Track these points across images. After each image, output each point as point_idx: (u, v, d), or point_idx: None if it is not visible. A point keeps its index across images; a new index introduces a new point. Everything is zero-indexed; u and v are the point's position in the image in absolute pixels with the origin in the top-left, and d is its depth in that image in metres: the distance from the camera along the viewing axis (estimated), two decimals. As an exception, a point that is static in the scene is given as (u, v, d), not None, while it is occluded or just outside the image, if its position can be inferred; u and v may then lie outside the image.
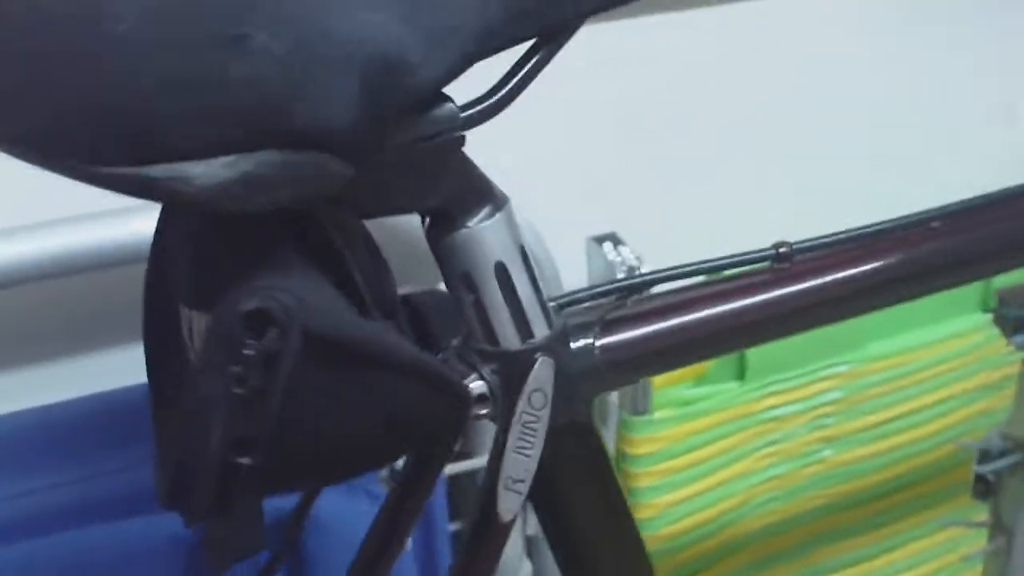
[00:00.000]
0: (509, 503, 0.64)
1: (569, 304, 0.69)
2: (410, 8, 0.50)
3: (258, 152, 0.45)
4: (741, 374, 1.10)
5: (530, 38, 0.57)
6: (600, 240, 1.04)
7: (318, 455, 0.54)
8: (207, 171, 0.44)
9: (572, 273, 1.07)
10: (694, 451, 1.09)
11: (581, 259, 1.07)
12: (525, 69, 0.58)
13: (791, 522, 1.18)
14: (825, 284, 0.70)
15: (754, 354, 1.08)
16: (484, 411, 0.64)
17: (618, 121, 1.10)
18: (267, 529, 0.92)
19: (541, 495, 0.69)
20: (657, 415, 1.06)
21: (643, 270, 1.03)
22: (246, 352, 0.49)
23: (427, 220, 0.62)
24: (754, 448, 1.13)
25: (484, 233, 0.62)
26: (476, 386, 0.64)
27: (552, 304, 0.66)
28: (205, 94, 0.44)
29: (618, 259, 1.03)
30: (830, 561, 1.22)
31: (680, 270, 0.71)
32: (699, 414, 1.09)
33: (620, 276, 1.00)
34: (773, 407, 1.12)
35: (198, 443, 0.50)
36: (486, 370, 0.64)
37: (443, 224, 0.61)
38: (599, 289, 0.70)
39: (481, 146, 0.90)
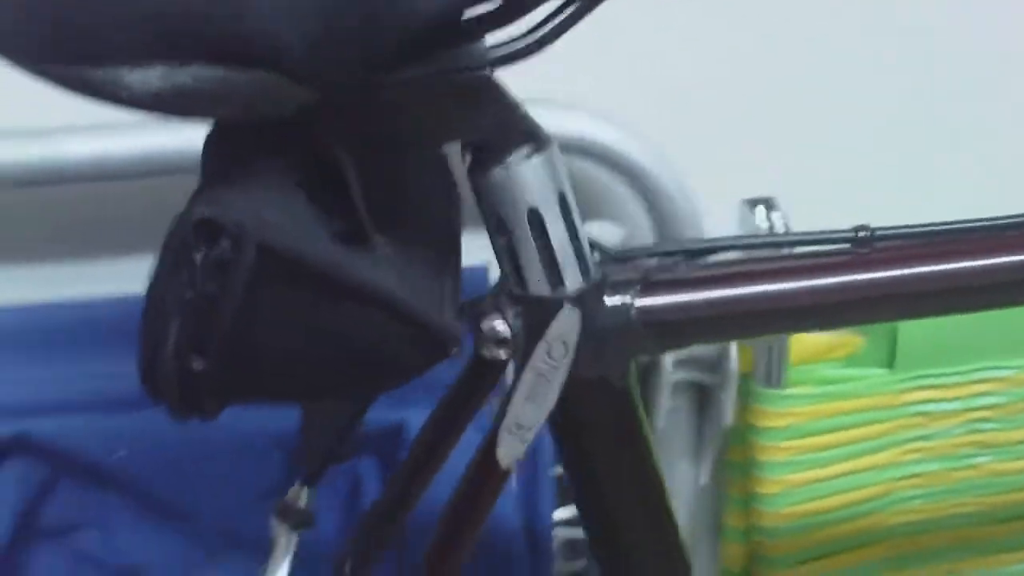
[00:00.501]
0: (510, 448, 0.63)
1: (623, 259, 0.67)
2: None
3: (193, 66, 0.46)
4: (890, 361, 1.04)
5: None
6: (754, 204, 1.00)
7: (275, 370, 0.55)
8: (142, 79, 0.46)
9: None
10: (829, 433, 1.05)
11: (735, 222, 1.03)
12: (567, 12, 0.56)
13: (936, 524, 1.12)
14: (901, 277, 0.66)
15: (905, 343, 1.03)
16: (504, 354, 0.64)
17: (786, 81, 1.05)
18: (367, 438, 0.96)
19: (566, 455, 0.68)
20: (792, 390, 1.02)
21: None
22: (196, 257, 0.50)
23: (467, 157, 0.61)
24: (899, 440, 1.08)
25: (519, 174, 0.61)
26: (499, 328, 0.63)
27: (597, 256, 0.65)
28: (141, 3, 0.45)
29: (765, 224, 0.99)
30: (975, 573, 1.16)
31: (752, 239, 0.68)
32: (839, 396, 1.04)
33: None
34: (924, 401, 1.06)
35: (157, 344, 0.52)
36: (510, 313, 0.63)
37: (479, 162, 0.61)
38: (662, 249, 0.68)
39: (638, 94, 0.90)
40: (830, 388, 1.04)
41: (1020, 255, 0.65)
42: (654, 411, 1.01)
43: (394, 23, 0.50)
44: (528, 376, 0.62)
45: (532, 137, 0.61)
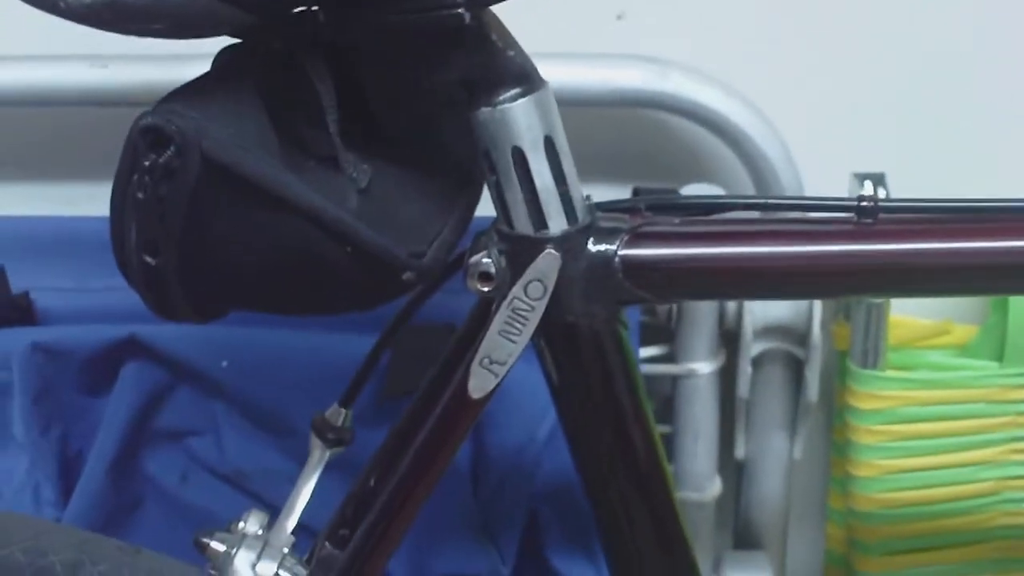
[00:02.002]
0: (481, 381, 0.66)
1: (621, 210, 0.68)
2: None
3: None
4: (1000, 355, 1.00)
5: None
6: (863, 178, 0.98)
7: (229, 274, 0.59)
8: None
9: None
10: (930, 422, 1.02)
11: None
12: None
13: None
14: (900, 251, 0.64)
15: (1016, 337, 0.99)
16: (486, 288, 0.66)
17: (905, 59, 1.02)
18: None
19: (556, 406, 0.69)
20: (889, 372, 1.00)
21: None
22: (144, 162, 0.54)
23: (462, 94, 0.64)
24: (1009, 438, 1.04)
25: (506, 114, 0.63)
26: (483, 263, 0.66)
27: (587, 202, 0.66)
28: None
29: (871, 198, 0.96)
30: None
31: (753, 200, 0.68)
32: (942, 384, 1.01)
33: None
34: (1033, 400, 1.01)
35: (123, 239, 0.57)
36: (495, 249, 0.65)
37: (470, 99, 0.63)
38: (662, 201, 0.68)
39: (752, 66, 0.89)
40: (932, 375, 1.01)
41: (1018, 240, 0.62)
42: (737, 379, 1.01)
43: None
44: (503, 312, 0.64)
45: (523, 78, 0.62)
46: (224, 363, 1.02)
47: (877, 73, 1.02)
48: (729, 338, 1.01)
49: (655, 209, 0.67)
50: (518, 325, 0.64)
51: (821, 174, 1.00)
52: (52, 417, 1.06)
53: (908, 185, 0.95)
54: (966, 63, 1.02)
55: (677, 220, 0.66)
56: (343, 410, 0.80)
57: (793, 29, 1.01)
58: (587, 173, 1.03)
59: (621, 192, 1.02)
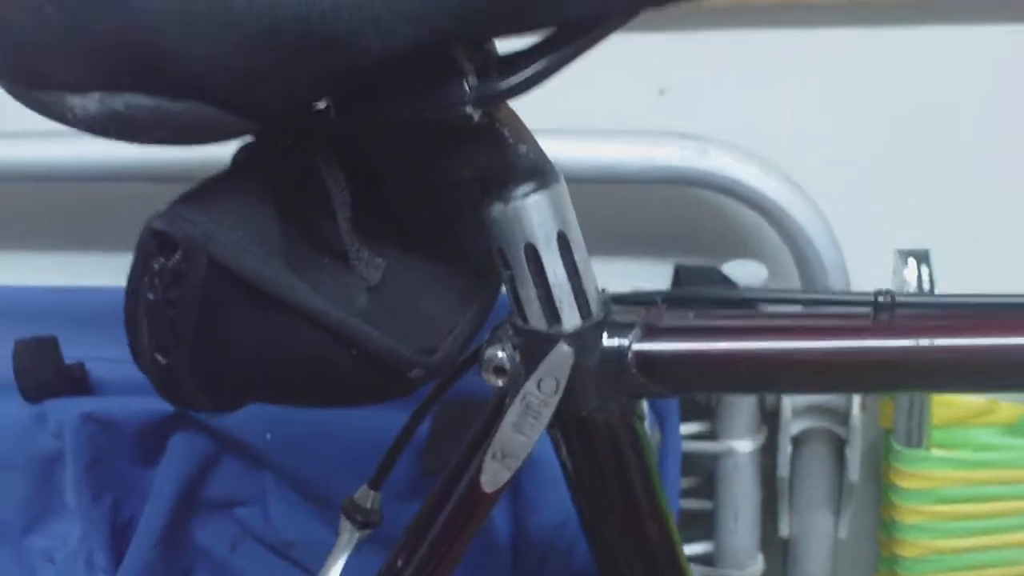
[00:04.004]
0: (493, 475, 0.66)
1: (636, 302, 0.68)
2: None
3: (127, 94, 0.52)
4: (1052, 435, 0.99)
5: (536, 29, 0.57)
6: (907, 255, 0.98)
7: (240, 372, 0.60)
8: (82, 104, 0.52)
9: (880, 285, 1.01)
10: (976, 502, 1.01)
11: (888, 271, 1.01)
12: (547, 59, 0.58)
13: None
14: (916, 348, 0.64)
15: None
16: (500, 382, 0.67)
17: (949, 135, 1.01)
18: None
19: (570, 491, 0.70)
20: (935, 452, 0.99)
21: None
22: (154, 265, 0.56)
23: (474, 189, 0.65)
24: (1058, 521, 1.02)
25: (518, 211, 0.63)
26: (498, 356, 0.66)
27: (602, 295, 0.66)
28: (76, 39, 0.51)
29: (915, 276, 0.96)
30: None
31: (769, 294, 0.68)
32: (988, 464, 1.00)
33: (907, 292, 0.95)
34: (1083, 481, 1.00)
35: (135, 338, 0.59)
36: (509, 344, 0.66)
37: (482, 195, 0.64)
38: (678, 294, 0.68)
39: (791, 145, 0.90)
40: (978, 455, 1.00)
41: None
42: (777, 457, 1.00)
43: (334, 62, 0.53)
44: (517, 406, 0.65)
45: (535, 174, 0.63)
46: (268, 436, 1.03)
47: (920, 150, 1.02)
48: (770, 416, 1.01)
49: (671, 302, 0.67)
50: (531, 420, 0.64)
51: (864, 251, 1.00)
52: (104, 485, 1.08)
53: (952, 262, 0.94)
54: (1011, 142, 1.00)
55: (692, 314, 0.66)
56: (372, 492, 0.81)
57: (836, 106, 1.01)
58: (629, 248, 1.05)
59: (663, 268, 1.02)
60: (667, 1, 0.57)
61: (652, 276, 1.05)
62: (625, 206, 1.06)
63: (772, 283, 1.02)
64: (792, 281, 1.03)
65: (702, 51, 1.00)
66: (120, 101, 0.52)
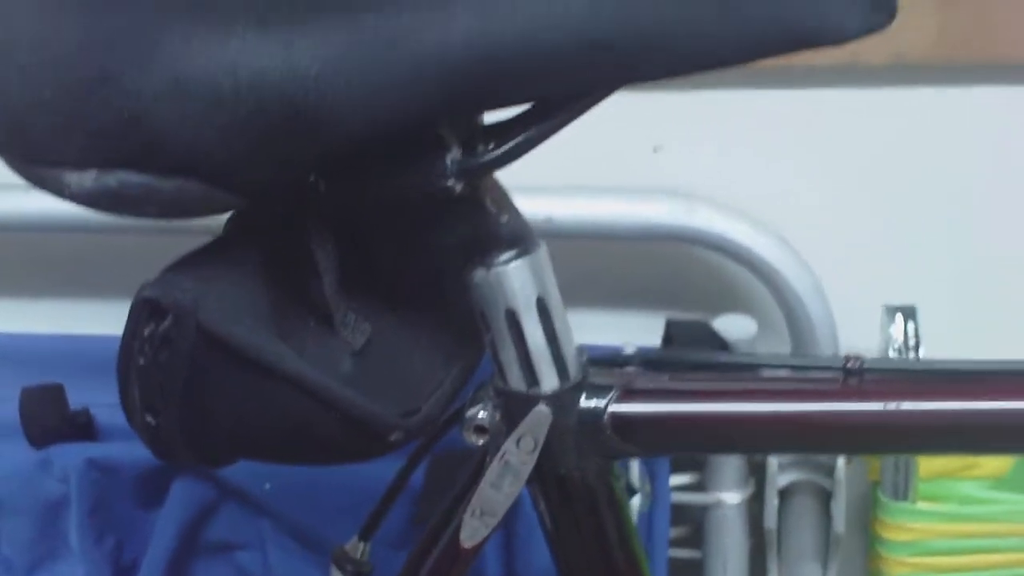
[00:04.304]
0: (472, 531, 0.68)
1: (616, 364, 0.70)
2: (342, 54, 0.54)
3: (120, 171, 0.54)
4: (1038, 489, 1.00)
5: (519, 105, 0.59)
6: (894, 311, 1.00)
7: (226, 432, 0.62)
8: (78, 180, 0.55)
9: (868, 340, 1.04)
10: (962, 555, 1.02)
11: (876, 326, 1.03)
12: (530, 131, 0.61)
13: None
14: (883, 411, 0.66)
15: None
16: (480, 440, 0.69)
17: (935, 192, 1.04)
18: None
19: (547, 541, 0.72)
20: (920, 505, 1.01)
21: (922, 349, 0.98)
22: (145, 331, 0.58)
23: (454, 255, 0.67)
24: (1043, 574, 1.03)
25: (498, 277, 0.65)
26: (479, 416, 0.69)
27: (582, 358, 0.69)
28: (72, 120, 0.54)
29: (901, 333, 0.98)
30: None
31: (742, 359, 0.70)
32: (974, 517, 1.01)
33: (892, 351, 0.97)
34: (1067, 536, 1.01)
35: (126, 398, 0.61)
36: (490, 404, 0.68)
37: (465, 261, 0.66)
38: (653, 357, 0.71)
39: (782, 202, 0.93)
40: (964, 508, 1.01)
41: (999, 402, 0.64)
42: (765, 510, 1.02)
43: (319, 141, 0.56)
44: (496, 465, 0.67)
45: (516, 242, 0.65)
46: (267, 485, 1.06)
47: (909, 209, 1.04)
48: (757, 469, 1.03)
49: (647, 364, 0.69)
50: (509, 478, 0.67)
51: (852, 306, 1.02)
52: (107, 528, 1.11)
53: (939, 317, 0.96)
54: (1000, 202, 1.02)
55: (667, 376, 0.68)
56: (362, 543, 0.83)
57: (826, 165, 1.04)
58: (622, 302, 1.07)
59: (654, 321, 1.05)
60: (646, 79, 0.59)
61: (644, 329, 1.07)
62: (618, 261, 1.09)
63: (762, 337, 1.04)
64: (782, 335, 1.05)
65: (696, 110, 1.02)
66: (114, 178, 0.54)
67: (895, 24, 0.93)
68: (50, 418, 1.12)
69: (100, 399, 1.13)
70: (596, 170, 1.01)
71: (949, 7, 1.00)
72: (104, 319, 1.16)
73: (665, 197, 1.01)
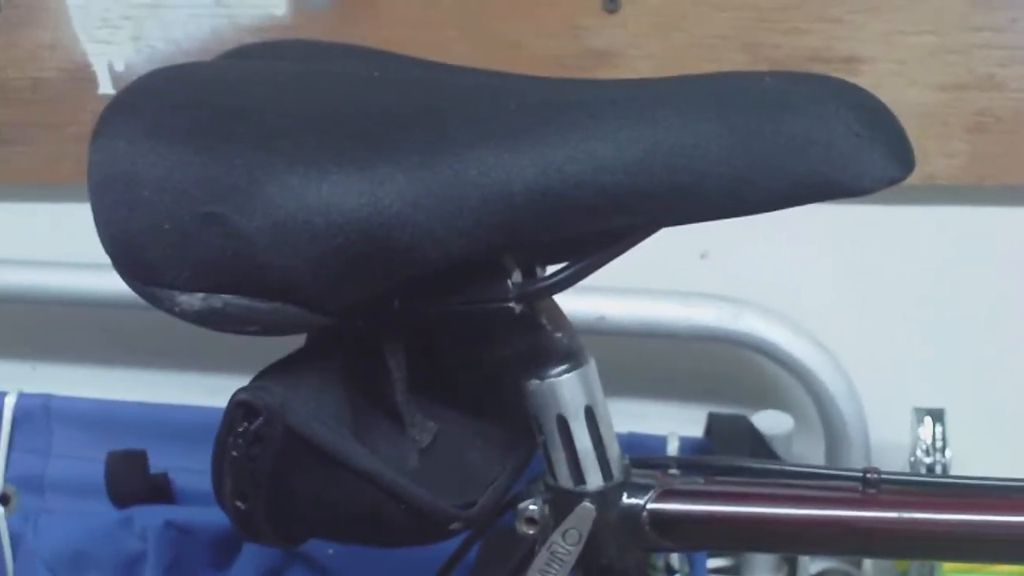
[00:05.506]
0: (521, 613, 0.76)
1: (653, 466, 0.78)
2: (420, 193, 0.62)
3: (226, 295, 0.63)
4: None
5: (565, 239, 0.68)
6: (923, 413, 1.07)
7: (305, 517, 0.70)
8: (188, 301, 0.63)
9: (898, 439, 1.11)
10: (984, 647, 1.08)
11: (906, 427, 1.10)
12: (584, 262, 0.69)
13: None
14: (898, 519, 0.73)
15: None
16: (531, 531, 0.77)
17: (966, 300, 1.11)
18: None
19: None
20: (947, 595, 1.07)
21: (948, 451, 1.05)
22: (239, 428, 0.67)
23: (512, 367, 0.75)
24: (1062, 668, 1.08)
25: (552, 387, 0.73)
26: (531, 509, 0.77)
27: (624, 460, 0.76)
28: (185, 250, 0.63)
29: (930, 434, 1.05)
30: None
31: (771, 466, 0.77)
32: (996, 611, 1.07)
33: (920, 451, 1.04)
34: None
35: (220, 486, 0.70)
36: (540, 498, 0.76)
37: (522, 372, 0.74)
38: (689, 462, 0.78)
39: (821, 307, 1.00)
40: (987, 602, 1.07)
41: (1006, 516, 0.71)
42: (795, 597, 1.09)
43: (399, 268, 0.64)
44: (544, 554, 0.75)
45: (568, 357, 0.73)
46: (330, 551, 1.14)
47: (939, 317, 1.11)
48: (792, 557, 1.09)
49: (684, 468, 0.77)
50: (555, 566, 0.74)
51: (884, 408, 1.08)
52: (181, 586, 1.19)
53: (968, 419, 1.03)
54: (1020, 312, 1.09)
55: (702, 480, 0.76)
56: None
57: (862, 273, 1.11)
58: (668, 396, 1.15)
59: (698, 413, 1.12)
60: (685, 223, 0.67)
61: (688, 421, 1.15)
62: (666, 357, 1.17)
63: (798, 434, 1.11)
64: (816, 432, 1.12)
65: (742, 220, 1.10)
66: (219, 300, 0.63)
67: (931, 148, 1.02)
68: (133, 480, 1.21)
69: (179, 464, 1.22)
70: (647, 273, 1.09)
71: (979, 132, 1.07)
72: (185, 390, 1.26)
73: (713, 302, 1.08)
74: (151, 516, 1.19)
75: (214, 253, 0.62)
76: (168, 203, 0.62)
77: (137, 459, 1.20)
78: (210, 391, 1.25)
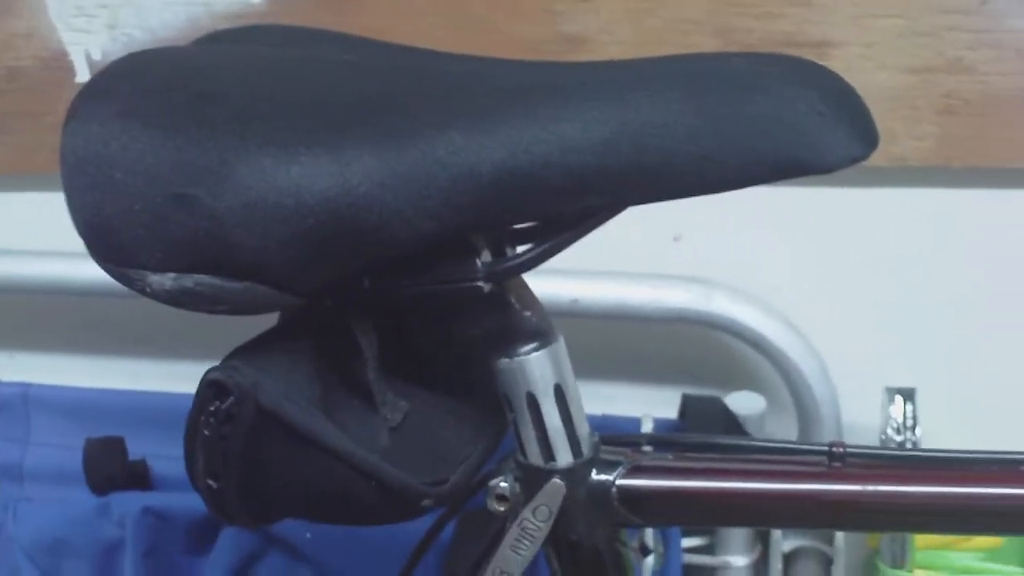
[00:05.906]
0: (493, 589, 0.77)
1: (623, 444, 0.79)
2: (388, 174, 0.62)
3: (197, 275, 0.64)
4: (1025, 561, 1.08)
5: (533, 220, 0.69)
6: (894, 392, 1.08)
7: (277, 496, 0.71)
8: (159, 281, 0.64)
9: (869, 419, 1.12)
10: (954, 623, 1.09)
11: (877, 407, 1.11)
12: (552, 240, 0.70)
13: None
14: (864, 492, 0.74)
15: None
16: (502, 508, 0.78)
17: (936, 279, 1.12)
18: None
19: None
20: (917, 573, 1.08)
21: (918, 429, 1.06)
22: (210, 408, 0.68)
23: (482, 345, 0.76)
24: (1032, 645, 1.10)
25: (521, 365, 0.74)
26: (501, 487, 0.78)
27: (594, 437, 0.77)
28: (157, 231, 0.63)
29: (901, 413, 1.06)
30: None
31: (739, 442, 0.78)
32: (969, 587, 1.08)
33: (891, 430, 1.05)
34: (1055, 607, 1.08)
35: (192, 465, 0.71)
36: (511, 476, 0.77)
37: (492, 351, 0.75)
38: (658, 438, 0.79)
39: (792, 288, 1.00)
40: (958, 579, 1.08)
41: (969, 487, 0.72)
42: (769, 574, 1.10)
43: (368, 248, 0.65)
44: (515, 530, 0.76)
45: (538, 335, 0.74)
46: (308, 535, 1.15)
47: (911, 298, 1.12)
48: (764, 534, 1.10)
49: (655, 445, 0.78)
50: (526, 542, 0.75)
51: (855, 387, 1.09)
52: (159, 571, 1.20)
53: (938, 399, 1.04)
54: (989, 292, 1.11)
55: (671, 455, 0.77)
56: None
57: (834, 255, 1.12)
58: (642, 378, 1.16)
59: (672, 395, 1.13)
60: (653, 201, 0.68)
61: (662, 402, 1.16)
62: (639, 339, 1.18)
63: (770, 414, 1.12)
64: (789, 412, 1.13)
65: (714, 203, 1.10)
66: (191, 280, 0.64)
67: (900, 130, 1.03)
68: (111, 467, 1.22)
69: (157, 451, 1.23)
70: (621, 256, 1.10)
71: (948, 115, 1.08)
72: (163, 378, 1.27)
73: (685, 284, 1.09)
74: (129, 503, 1.20)
75: (186, 234, 0.62)
76: (141, 185, 0.62)
77: (115, 446, 1.21)
78: (187, 378, 1.23)
